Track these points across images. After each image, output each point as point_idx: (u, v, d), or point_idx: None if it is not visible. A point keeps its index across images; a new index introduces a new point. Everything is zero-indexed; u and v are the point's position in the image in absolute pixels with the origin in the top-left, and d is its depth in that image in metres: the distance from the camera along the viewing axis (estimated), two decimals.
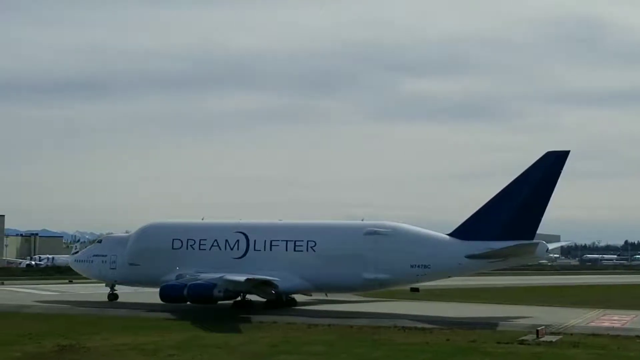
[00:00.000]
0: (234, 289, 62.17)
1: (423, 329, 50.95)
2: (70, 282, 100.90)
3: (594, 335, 48.56)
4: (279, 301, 66.87)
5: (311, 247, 66.55)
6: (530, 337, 46.22)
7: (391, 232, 65.32)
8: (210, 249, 68.65)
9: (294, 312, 62.56)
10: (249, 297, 66.40)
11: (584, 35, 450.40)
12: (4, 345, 42.11)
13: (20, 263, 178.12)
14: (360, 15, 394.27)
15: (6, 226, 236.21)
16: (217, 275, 61.74)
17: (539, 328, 47.86)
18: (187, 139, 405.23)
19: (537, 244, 62.16)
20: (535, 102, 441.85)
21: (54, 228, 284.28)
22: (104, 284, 74.20)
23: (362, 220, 69.70)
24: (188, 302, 61.93)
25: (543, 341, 45.11)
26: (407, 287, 73.79)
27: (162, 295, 62.69)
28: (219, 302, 62.08)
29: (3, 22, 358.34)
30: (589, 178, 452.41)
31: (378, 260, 64.41)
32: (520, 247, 61.64)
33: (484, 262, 63.92)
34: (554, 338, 46.42)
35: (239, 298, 65.52)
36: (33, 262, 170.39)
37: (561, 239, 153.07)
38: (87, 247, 76.62)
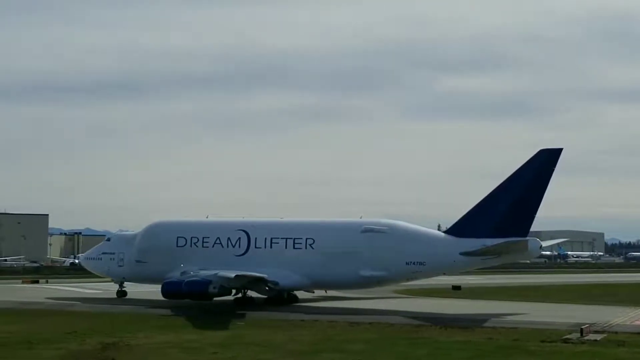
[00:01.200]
0: (228, 285, 63.55)
1: (465, 327, 50.54)
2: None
3: (639, 333, 47.90)
4: (280, 298, 68.16)
5: (310, 245, 67.83)
6: (574, 336, 45.62)
7: (387, 230, 66.24)
8: (213, 247, 70.38)
9: (335, 310, 62.47)
10: (250, 293, 67.83)
11: (626, 31, 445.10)
12: (49, 343, 42.61)
13: (63, 261, 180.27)
14: (397, 13, 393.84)
15: (50, 225, 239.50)
16: (213, 272, 63.09)
17: (583, 326, 47.28)
18: (225, 138, 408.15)
19: (526, 241, 62.48)
20: (577, 99, 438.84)
21: (97, 227, 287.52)
22: (150, 285, 74.06)
23: (361, 217, 70.40)
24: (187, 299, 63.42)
25: (587, 340, 44.54)
26: (404, 283, 74.43)
27: (163, 292, 64.09)
28: (215, 298, 63.31)
29: (42, 24, 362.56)
30: (633, 175, 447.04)
31: (374, 257, 65.48)
32: (510, 244, 62.18)
33: (477, 259, 64.69)
34: (598, 337, 45.78)
35: (239, 295, 67.22)
36: (76, 261, 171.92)
37: (605, 237, 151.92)
38: (97, 245, 78.78)
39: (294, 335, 46.38)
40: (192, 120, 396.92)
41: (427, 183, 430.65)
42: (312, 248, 67.65)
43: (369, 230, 66.29)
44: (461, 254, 63.33)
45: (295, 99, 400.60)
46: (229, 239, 70.02)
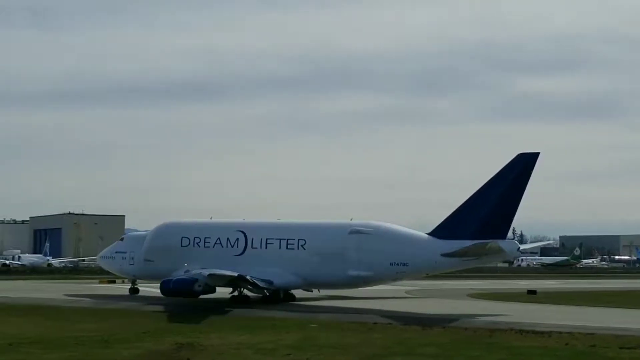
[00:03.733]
0: (211, 284, 66.16)
1: (541, 332, 49.55)
2: None
3: None
4: (276, 297, 71.27)
5: (301, 245, 70.77)
6: None
7: (373, 231, 68.75)
8: (213, 247, 73.77)
9: (406, 314, 62.05)
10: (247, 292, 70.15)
11: None
12: (124, 343, 43.21)
13: None
14: (470, 13, 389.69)
15: (127, 226, 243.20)
16: (198, 271, 65.95)
17: None
18: (300, 140, 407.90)
19: (495, 242, 63.52)
20: None
21: None
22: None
23: (351, 219, 72.68)
24: (184, 297, 66.50)
25: None
26: (389, 283, 76.20)
27: (161, 290, 67.60)
28: (200, 296, 66.39)
29: (119, 27, 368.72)
30: None
31: (360, 258, 68.06)
32: (479, 246, 63.72)
33: (458, 260, 66.35)
34: None
35: (235, 293, 69.80)
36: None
37: None
38: (112, 245, 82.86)
39: (367, 338, 46.24)
40: (270, 122, 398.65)
41: None
42: (304, 248, 70.67)
43: (355, 232, 68.98)
44: (442, 255, 65.21)
45: (372, 101, 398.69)
46: (228, 239, 73.33)
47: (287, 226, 74.94)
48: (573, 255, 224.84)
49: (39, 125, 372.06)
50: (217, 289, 68.26)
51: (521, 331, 50.13)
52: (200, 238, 74.62)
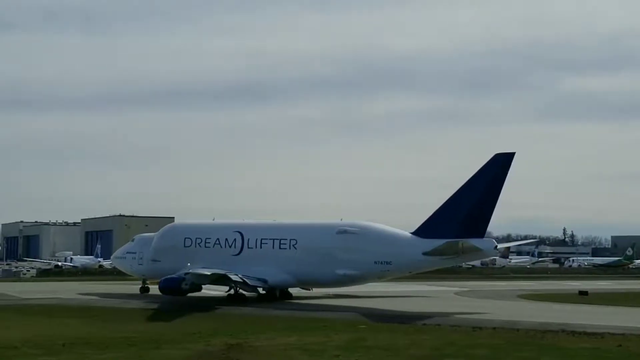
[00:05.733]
0: (197, 282, 68.98)
1: (593, 333, 48.85)
2: None
3: None
4: (272, 295, 73.70)
5: (293, 245, 73.30)
6: None
7: (359, 231, 70.89)
8: (213, 247, 77.04)
9: (456, 315, 61.57)
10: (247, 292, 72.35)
11: None
12: (175, 343, 43.59)
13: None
14: (519, 12, 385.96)
15: None
16: (183, 271, 69.19)
17: None
18: (350, 141, 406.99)
19: (467, 241, 65.15)
20: None
21: None
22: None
23: (341, 220, 74.70)
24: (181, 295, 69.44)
25: None
26: (375, 281, 77.36)
27: (159, 288, 70.30)
28: (188, 294, 69.48)
29: (171, 31, 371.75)
30: None
31: (347, 257, 70.26)
32: (454, 245, 65.44)
33: (438, 259, 68.30)
34: None
35: (232, 291, 71.84)
36: None
37: None
38: (124, 245, 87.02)
39: (416, 340, 46.01)
40: (320, 123, 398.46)
41: (552, 186, 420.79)
42: (295, 248, 73.12)
43: (343, 232, 71.13)
44: (423, 254, 66.83)
45: (422, 102, 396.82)
46: (226, 239, 76.38)
47: (281, 226, 78.07)
48: (625, 255, 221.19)
49: (91, 129, 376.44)
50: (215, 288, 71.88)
51: (572, 332, 49.49)
52: (201, 239, 78.02)
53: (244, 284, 70.49)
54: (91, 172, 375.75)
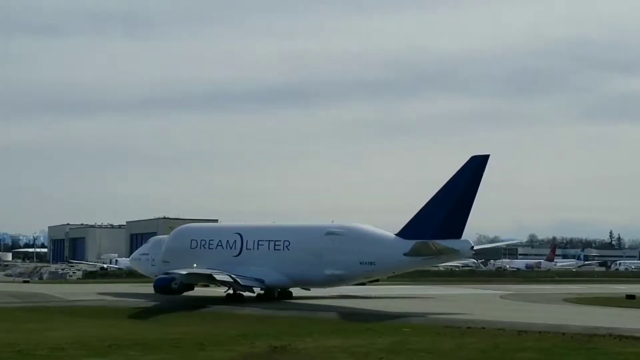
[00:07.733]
0: (185, 282, 71.51)
1: None
2: None
3: None
4: (270, 295, 76.87)
5: (286, 247, 76.11)
6: None
7: (345, 232, 73.31)
8: (216, 248, 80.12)
9: (503, 318, 60.94)
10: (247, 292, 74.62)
11: None
12: (219, 345, 43.69)
13: None
14: (566, 12, 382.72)
15: None
16: (174, 271, 71.72)
17: None
18: (393, 143, 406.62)
19: (438, 242, 66.67)
20: None
21: None
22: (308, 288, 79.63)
23: (332, 221, 77.85)
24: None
25: None
26: (361, 281, 79.51)
27: (153, 287, 74.00)
28: (180, 293, 72.48)
29: (212, 34, 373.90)
30: None
31: (334, 258, 72.47)
32: (426, 245, 67.19)
33: (418, 260, 70.19)
34: None
35: (230, 291, 74.42)
36: None
37: None
38: (140, 247, 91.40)
39: (462, 343, 45.64)
40: (361, 125, 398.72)
41: (599, 187, 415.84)
42: (289, 250, 75.83)
43: (330, 233, 73.63)
44: (404, 254, 68.60)
45: (466, 103, 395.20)
46: (227, 241, 79.41)
47: (276, 228, 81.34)
48: None
49: (136, 132, 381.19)
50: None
51: (620, 337, 48.65)
52: (205, 240, 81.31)
53: (235, 284, 72.67)
54: (136, 175, 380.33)
